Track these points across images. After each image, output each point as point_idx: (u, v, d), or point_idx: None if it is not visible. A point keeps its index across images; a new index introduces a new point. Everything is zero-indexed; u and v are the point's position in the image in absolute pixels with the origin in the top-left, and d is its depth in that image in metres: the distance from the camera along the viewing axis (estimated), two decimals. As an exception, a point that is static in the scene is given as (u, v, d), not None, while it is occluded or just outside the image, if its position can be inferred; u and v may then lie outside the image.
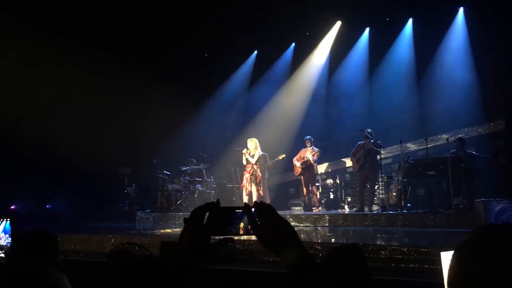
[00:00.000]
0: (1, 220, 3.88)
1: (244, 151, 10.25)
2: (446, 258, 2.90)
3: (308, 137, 10.97)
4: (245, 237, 1.23)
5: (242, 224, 1.21)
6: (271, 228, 1.19)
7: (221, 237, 1.22)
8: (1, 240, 3.87)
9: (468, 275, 1.02)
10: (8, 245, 3.79)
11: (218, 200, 1.25)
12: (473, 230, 1.08)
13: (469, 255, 1.04)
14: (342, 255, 2.12)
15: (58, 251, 2.56)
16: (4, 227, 3.89)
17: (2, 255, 3.76)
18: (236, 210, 1.23)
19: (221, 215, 1.22)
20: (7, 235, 3.88)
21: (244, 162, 10.31)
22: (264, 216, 1.21)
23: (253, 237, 1.27)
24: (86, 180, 12.24)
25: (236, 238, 1.25)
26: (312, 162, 10.72)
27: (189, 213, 1.23)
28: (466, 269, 1.03)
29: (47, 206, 13.53)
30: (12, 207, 12.32)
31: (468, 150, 9.51)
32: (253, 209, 1.21)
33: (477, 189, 9.27)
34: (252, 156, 10.16)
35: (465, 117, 11.25)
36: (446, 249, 2.97)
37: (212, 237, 1.21)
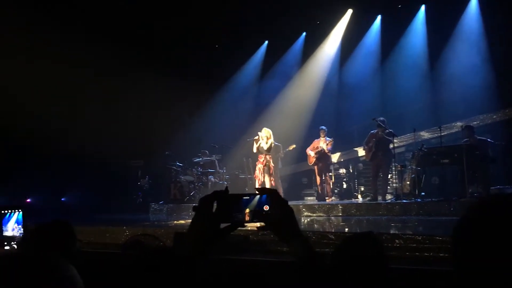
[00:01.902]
0: (14, 211, 3.93)
1: (256, 137, 10.10)
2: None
3: (323, 127, 10.91)
4: (251, 225, 1.20)
5: (247, 210, 1.20)
6: (283, 215, 1.18)
7: (228, 224, 1.21)
8: (14, 231, 3.92)
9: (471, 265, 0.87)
10: (21, 235, 3.84)
11: (226, 188, 1.24)
12: (467, 210, 0.93)
13: (465, 241, 0.89)
14: (358, 244, 2.08)
15: (74, 240, 2.55)
16: (17, 218, 3.94)
17: (15, 245, 3.80)
18: (245, 198, 1.21)
19: (229, 202, 1.21)
20: (19, 226, 3.93)
21: (254, 150, 10.18)
22: (276, 203, 1.21)
23: (258, 224, 1.25)
24: (100, 173, 12.33)
25: (248, 225, 1.24)
26: (326, 151, 10.69)
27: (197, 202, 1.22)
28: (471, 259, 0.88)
29: (62, 199, 13.68)
30: (28, 200, 12.47)
31: (479, 137, 9.35)
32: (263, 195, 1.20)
33: (492, 176, 9.15)
34: (266, 143, 10.01)
35: (480, 104, 11.09)
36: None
37: (222, 224, 1.20)
